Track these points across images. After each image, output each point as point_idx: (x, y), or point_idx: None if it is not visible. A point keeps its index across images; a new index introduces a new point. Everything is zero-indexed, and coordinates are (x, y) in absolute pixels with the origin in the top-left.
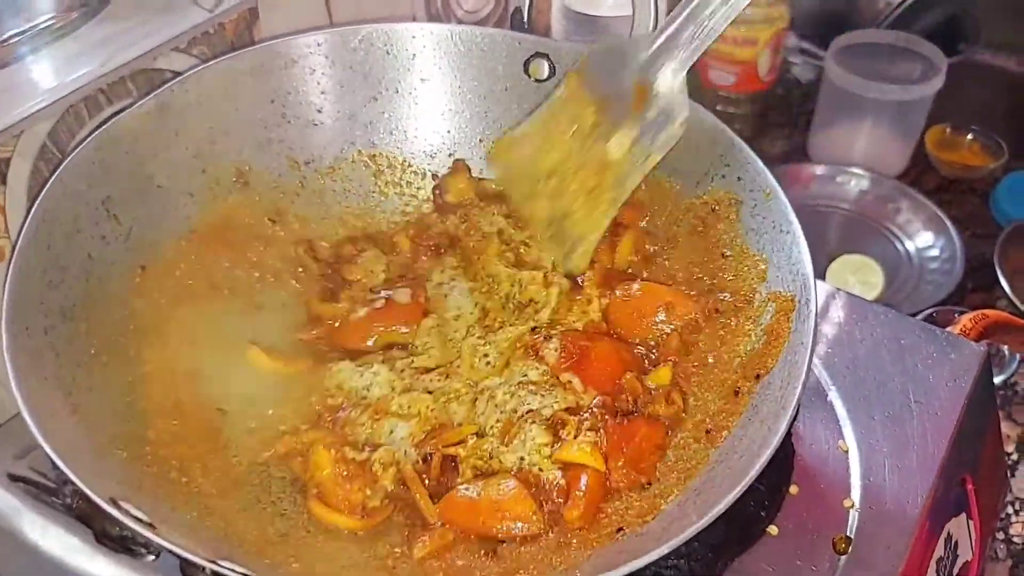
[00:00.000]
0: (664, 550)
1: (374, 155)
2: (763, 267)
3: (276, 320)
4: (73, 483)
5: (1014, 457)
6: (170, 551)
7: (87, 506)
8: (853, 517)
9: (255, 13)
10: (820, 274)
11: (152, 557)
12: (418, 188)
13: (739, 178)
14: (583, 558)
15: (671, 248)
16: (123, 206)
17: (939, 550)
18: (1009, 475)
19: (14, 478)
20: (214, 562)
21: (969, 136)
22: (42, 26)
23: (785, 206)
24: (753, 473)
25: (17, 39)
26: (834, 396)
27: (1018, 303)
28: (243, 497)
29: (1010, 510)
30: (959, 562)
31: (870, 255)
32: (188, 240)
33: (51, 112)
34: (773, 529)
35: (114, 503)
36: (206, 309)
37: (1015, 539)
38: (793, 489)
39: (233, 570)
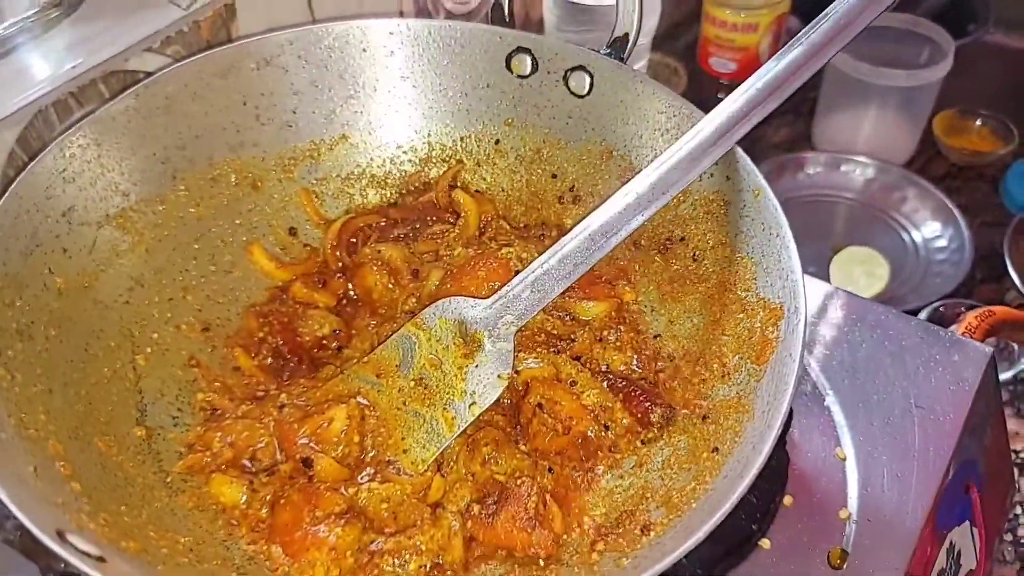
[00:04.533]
0: None
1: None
2: (752, 270)
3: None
4: (15, 518)
5: (1023, 456)
6: None
7: (31, 541)
8: (850, 529)
9: (232, 10)
10: (824, 267)
11: None
12: (395, 187)
13: (727, 177)
14: None
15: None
16: (86, 217)
17: (940, 562)
18: (1017, 475)
19: None
20: None
21: (978, 121)
22: (12, 28)
23: (775, 207)
24: (735, 498)
25: None
26: (831, 401)
27: None
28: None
29: (1019, 510)
30: (962, 572)
31: (875, 246)
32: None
33: (19, 118)
34: (765, 543)
35: (60, 537)
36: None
37: (1023, 541)
38: (787, 500)
39: None
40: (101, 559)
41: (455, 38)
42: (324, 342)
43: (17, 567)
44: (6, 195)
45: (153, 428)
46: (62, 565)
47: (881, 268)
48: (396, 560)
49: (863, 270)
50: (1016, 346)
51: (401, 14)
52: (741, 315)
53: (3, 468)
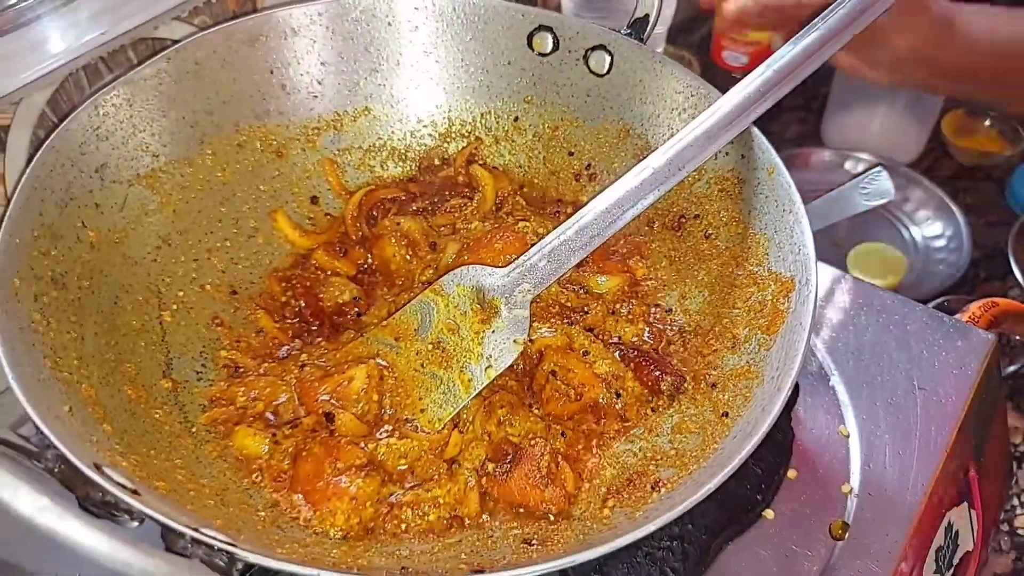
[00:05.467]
0: (644, 532)
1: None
2: (765, 246)
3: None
4: (55, 447)
5: (1022, 448)
6: (152, 518)
7: (70, 472)
8: (851, 503)
9: None
10: (841, 262)
11: (135, 524)
12: (415, 160)
13: (742, 156)
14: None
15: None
16: (118, 175)
17: (939, 539)
18: (1016, 466)
19: None
20: (196, 530)
21: (987, 121)
22: None
23: (788, 184)
24: (744, 454)
25: (19, 6)
26: (836, 381)
27: None
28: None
29: (1015, 502)
30: (959, 552)
31: (876, 241)
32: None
33: (50, 80)
34: (769, 513)
35: (98, 469)
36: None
37: (1020, 531)
38: (791, 473)
39: (215, 539)
40: (135, 492)
41: (478, 15)
42: (344, 308)
43: (57, 496)
44: (43, 148)
45: (179, 381)
46: (100, 495)
47: (897, 263)
48: (415, 511)
49: (880, 264)
50: (1019, 340)
51: None
52: (752, 288)
53: (42, 405)
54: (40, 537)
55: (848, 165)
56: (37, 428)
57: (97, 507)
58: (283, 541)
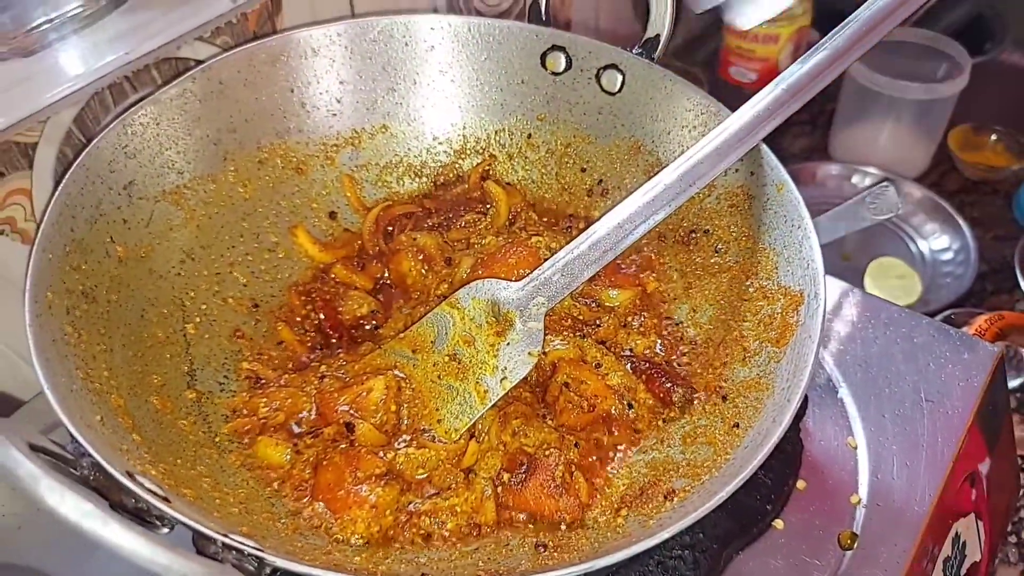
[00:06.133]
0: (657, 540)
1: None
2: (774, 260)
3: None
4: (90, 456)
5: None
6: (184, 524)
7: (103, 478)
8: (860, 513)
9: (278, 3)
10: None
11: (166, 530)
12: (431, 176)
13: (752, 172)
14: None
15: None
16: (145, 191)
17: (946, 549)
18: (1023, 479)
19: (34, 448)
20: (226, 535)
21: (993, 137)
22: (69, 15)
23: (797, 200)
24: (755, 464)
25: (44, 27)
26: (844, 393)
27: None
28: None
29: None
30: (967, 562)
31: (884, 255)
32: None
33: (77, 99)
34: (779, 523)
35: (130, 476)
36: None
37: None
38: (800, 484)
39: (244, 543)
40: (166, 499)
41: (493, 35)
42: (362, 321)
43: (98, 501)
44: (74, 166)
45: (202, 392)
46: (132, 502)
47: (912, 280)
48: (433, 519)
49: (898, 282)
50: None
51: (435, 11)
52: (762, 302)
53: (75, 415)
54: (82, 542)
55: (855, 179)
56: (72, 437)
57: (129, 513)
58: (306, 548)
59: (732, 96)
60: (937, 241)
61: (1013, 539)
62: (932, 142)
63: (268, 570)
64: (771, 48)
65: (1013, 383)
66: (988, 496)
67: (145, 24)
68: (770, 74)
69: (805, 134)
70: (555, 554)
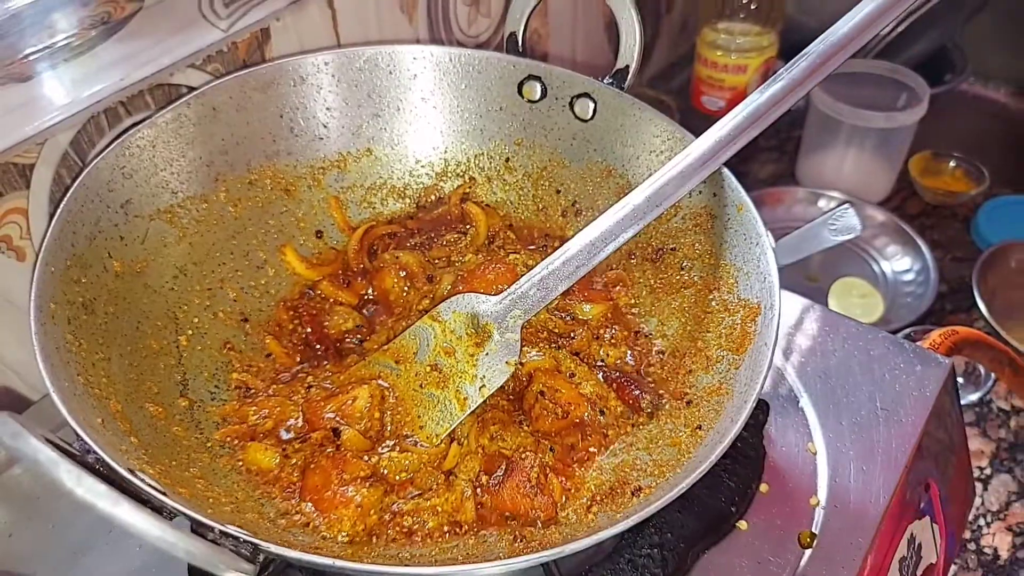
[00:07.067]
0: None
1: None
2: (734, 276)
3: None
4: (95, 453)
5: (987, 472)
6: (184, 514)
7: (109, 473)
8: (819, 514)
9: (267, 34)
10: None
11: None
12: (413, 198)
13: (714, 194)
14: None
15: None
16: (141, 210)
17: (902, 549)
18: (983, 489)
19: (47, 440)
20: (223, 525)
21: (952, 163)
22: (61, 44)
23: (755, 219)
24: (714, 457)
25: (39, 55)
26: (805, 403)
27: (994, 324)
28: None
29: (982, 522)
30: (923, 564)
31: (849, 275)
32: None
33: (73, 122)
34: (743, 524)
35: (132, 473)
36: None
37: (986, 550)
38: (763, 487)
39: (239, 532)
40: (165, 494)
41: (473, 65)
42: (347, 335)
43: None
44: (75, 184)
45: (194, 400)
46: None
47: (875, 299)
48: (415, 519)
49: (860, 301)
50: (983, 369)
51: (417, 41)
52: (724, 314)
53: (79, 416)
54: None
55: (821, 203)
56: (77, 435)
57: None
58: (295, 544)
59: (703, 123)
60: (899, 262)
61: (972, 546)
62: (894, 168)
63: (262, 557)
64: (740, 78)
65: (972, 397)
66: (943, 501)
67: (138, 52)
68: (739, 102)
69: (773, 160)
70: (530, 546)
